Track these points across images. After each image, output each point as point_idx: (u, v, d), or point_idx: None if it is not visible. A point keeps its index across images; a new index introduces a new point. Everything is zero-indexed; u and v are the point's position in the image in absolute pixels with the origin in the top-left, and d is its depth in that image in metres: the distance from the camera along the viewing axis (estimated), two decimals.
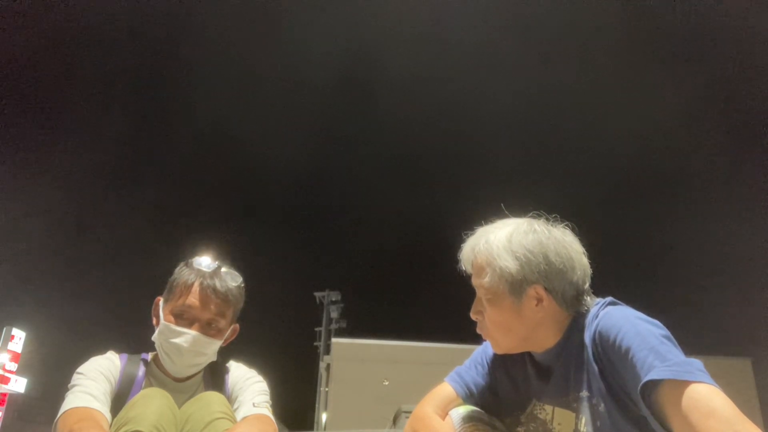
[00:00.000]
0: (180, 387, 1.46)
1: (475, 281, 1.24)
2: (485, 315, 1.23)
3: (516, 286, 1.16)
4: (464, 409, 1.27)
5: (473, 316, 1.27)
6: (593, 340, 1.10)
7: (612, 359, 1.05)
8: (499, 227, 1.23)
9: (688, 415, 0.89)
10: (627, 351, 1.01)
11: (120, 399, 1.37)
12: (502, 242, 1.19)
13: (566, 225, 1.24)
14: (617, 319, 1.07)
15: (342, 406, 17.63)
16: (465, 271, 1.28)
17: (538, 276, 1.15)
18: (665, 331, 1.03)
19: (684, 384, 0.92)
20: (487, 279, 1.19)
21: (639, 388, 0.95)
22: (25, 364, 18.44)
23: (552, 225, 1.23)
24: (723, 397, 0.90)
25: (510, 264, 1.16)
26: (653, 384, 0.94)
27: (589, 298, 1.20)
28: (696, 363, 0.95)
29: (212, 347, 1.47)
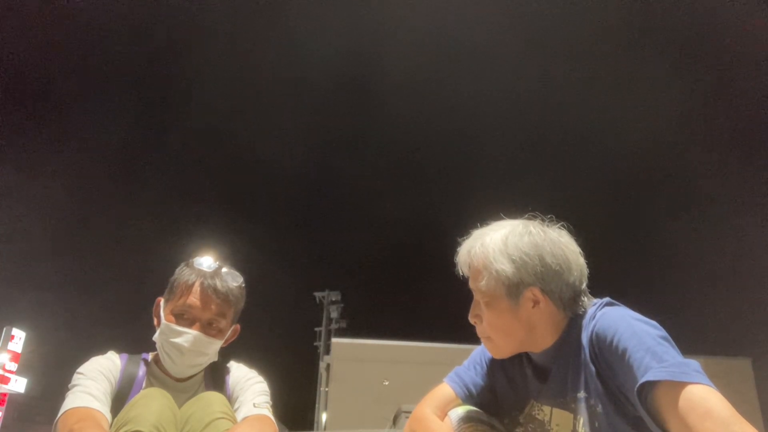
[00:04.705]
0: (180, 387, 1.47)
1: (472, 285, 1.24)
2: (483, 318, 1.23)
3: (513, 288, 1.17)
4: (463, 410, 1.27)
5: (471, 320, 1.27)
6: (590, 340, 1.10)
7: (609, 360, 1.05)
8: (495, 229, 1.23)
9: (685, 416, 0.89)
10: (624, 352, 1.01)
11: (120, 399, 1.38)
12: (498, 245, 1.19)
13: (562, 225, 1.24)
14: (614, 320, 1.07)
15: (342, 406, 17.62)
16: (462, 275, 1.28)
17: (535, 278, 1.15)
18: (662, 332, 1.03)
19: (680, 385, 0.92)
20: (483, 282, 1.19)
21: (635, 389, 0.96)
22: (25, 364, 18.44)
23: (548, 226, 1.23)
24: (720, 398, 0.90)
25: (506, 267, 1.16)
26: (650, 385, 0.94)
27: (586, 298, 1.20)
28: (693, 364, 0.95)
29: (213, 347, 1.47)
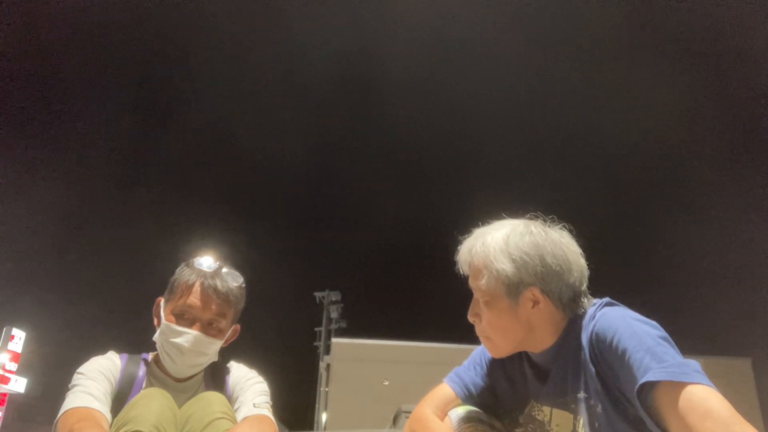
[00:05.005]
0: (181, 387, 1.47)
1: (472, 283, 1.25)
2: (483, 317, 1.23)
3: (512, 288, 1.17)
4: (463, 410, 1.27)
5: (471, 319, 1.27)
6: (590, 341, 1.10)
7: (609, 360, 1.05)
8: (496, 228, 1.23)
9: (685, 416, 0.89)
10: (623, 352, 1.01)
11: (120, 399, 1.38)
12: (499, 244, 1.19)
13: (563, 226, 1.24)
14: (614, 320, 1.07)
15: (342, 406, 17.62)
16: (462, 274, 1.28)
17: (535, 278, 1.16)
18: (662, 332, 1.04)
19: (680, 385, 0.92)
20: (483, 281, 1.20)
21: (635, 389, 0.96)
22: (25, 364, 18.43)
23: (549, 226, 1.23)
24: (720, 398, 0.90)
25: (506, 266, 1.16)
26: (649, 386, 0.94)
27: (586, 299, 1.20)
28: (693, 364, 0.96)
29: (213, 347, 1.47)
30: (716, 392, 0.91)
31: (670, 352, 0.98)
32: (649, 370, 0.95)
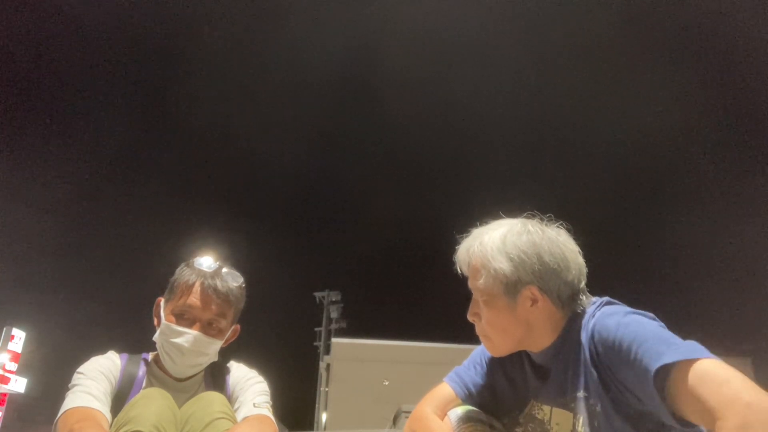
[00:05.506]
0: (181, 387, 1.47)
1: (470, 283, 1.25)
2: (482, 316, 1.23)
3: (511, 287, 1.17)
4: (463, 410, 1.27)
5: (470, 318, 1.27)
6: (590, 340, 1.10)
7: (611, 358, 1.05)
8: (494, 228, 1.24)
9: (700, 387, 0.89)
10: (629, 347, 1.00)
11: (120, 399, 1.38)
12: (496, 244, 1.19)
13: (560, 224, 1.24)
14: (614, 318, 1.08)
15: (342, 406, 17.62)
16: (461, 273, 1.28)
17: (533, 277, 1.16)
18: (659, 322, 1.05)
19: (693, 362, 0.92)
20: (482, 281, 1.20)
21: (651, 376, 0.95)
22: (25, 364, 18.46)
23: (546, 225, 1.23)
24: (732, 369, 0.92)
25: (504, 265, 1.17)
26: (665, 370, 0.94)
27: (584, 297, 1.20)
28: (696, 343, 0.97)
29: (213, 347, 1.47)
30: (726, 365, 0.93)
31: (674, 336, 0.99)
32: (662, 355, 0.94)
